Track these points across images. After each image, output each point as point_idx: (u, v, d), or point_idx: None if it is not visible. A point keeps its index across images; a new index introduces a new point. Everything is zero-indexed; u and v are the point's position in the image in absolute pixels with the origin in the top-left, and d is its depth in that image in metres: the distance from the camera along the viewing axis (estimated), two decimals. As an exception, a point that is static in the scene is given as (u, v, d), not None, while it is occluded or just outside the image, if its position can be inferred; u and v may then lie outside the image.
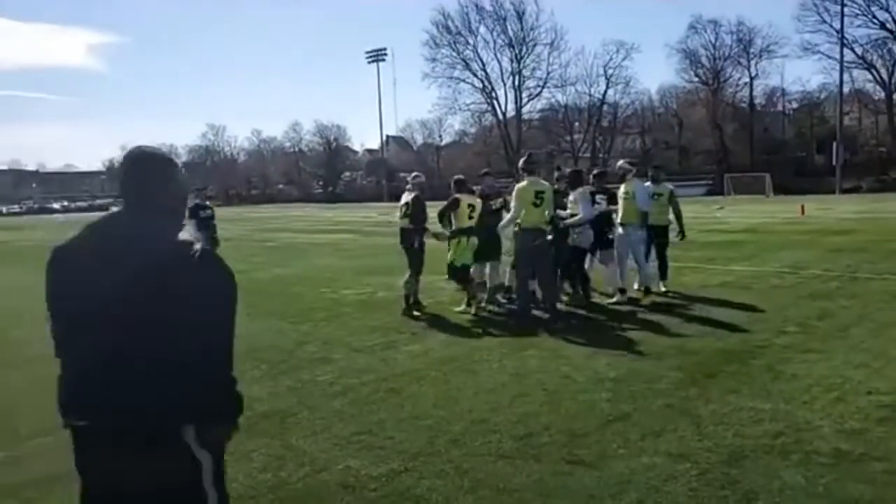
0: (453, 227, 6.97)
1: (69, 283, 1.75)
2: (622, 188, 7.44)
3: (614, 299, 7.07)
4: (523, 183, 6.48)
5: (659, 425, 3.59)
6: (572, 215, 6.84)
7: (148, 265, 1.66)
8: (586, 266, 7.34)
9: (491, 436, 3.54)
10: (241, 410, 1.86)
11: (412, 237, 7.04)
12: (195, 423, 1.74)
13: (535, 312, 6.70)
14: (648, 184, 7.64)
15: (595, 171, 7.94)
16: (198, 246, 1.71)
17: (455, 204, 6.94)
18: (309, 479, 3.12)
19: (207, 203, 10.31)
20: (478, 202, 7.08)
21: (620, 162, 7.91)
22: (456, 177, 7.49)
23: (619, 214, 7.34)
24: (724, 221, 19.78)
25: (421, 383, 4.52)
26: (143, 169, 1.83)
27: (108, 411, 1.69)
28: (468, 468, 3.14)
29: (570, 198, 6.94)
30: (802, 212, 21.03)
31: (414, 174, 8.05)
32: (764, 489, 2.85)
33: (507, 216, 6.69)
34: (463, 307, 6.98)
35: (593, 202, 7.02)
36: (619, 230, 7.33)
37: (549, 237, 6.67)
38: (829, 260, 10.00)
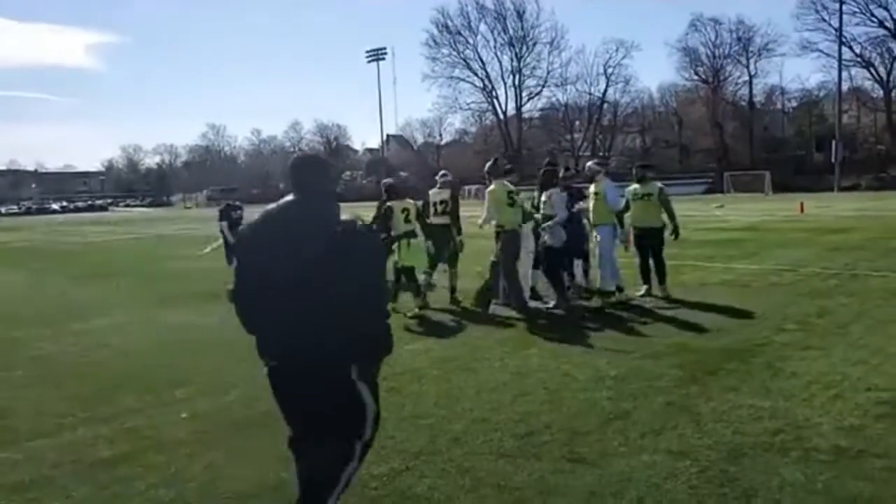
0: (392, 233, 6.99)
1: (261, 253, 2.24)
2: (592, 188, 7.30)
3: (613, 299, 7.06)
4: (493, 186, 6.83)
5: (659, 423, 3.60)
6: (546, 216, 6.86)
7: (328, 237, 2.18)
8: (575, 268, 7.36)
9: (492, 434, 3.55)
10: (390, 350, 2.34)
11: (450, 232, 7.34)
12: (357, 362, 2.26)
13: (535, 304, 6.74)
14: (636, 185, 7.42)
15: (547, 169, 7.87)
16: (359, 223, 2.27)
17: (389, 213, 6.99)
18: (310, 478, 3.12)
19: (238, 203, 9.83)
20: (411, 204, 7.16)
21: (589, 163, 7.73)
22: (386, 182, 7.56)
23: (591, 216, 7.24)
24: (724, 219, 19.80)
25: (422, 382, 4.53)
26: (315, 169, 2.38)
27: (297, 354, 2.21)
28: (469, 467, 3.15)
29: (543, 198, 6.96)
30: (801, 210, 21.06)
31: (442, 172, 8.12)
32: (763, 486, 2.87)
33: (484, 216, 6.95)
34: (416, 311, 6.77)
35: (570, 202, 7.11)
36: (595, 232, 7.22)
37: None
38: (828, 258, 10.01)
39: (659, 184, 7.51)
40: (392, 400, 4.18)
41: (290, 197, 2.32)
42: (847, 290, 7.35)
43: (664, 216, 7.36)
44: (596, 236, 7.26)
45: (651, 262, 7.35)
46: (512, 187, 6.92)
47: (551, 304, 6.84)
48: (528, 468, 3.14)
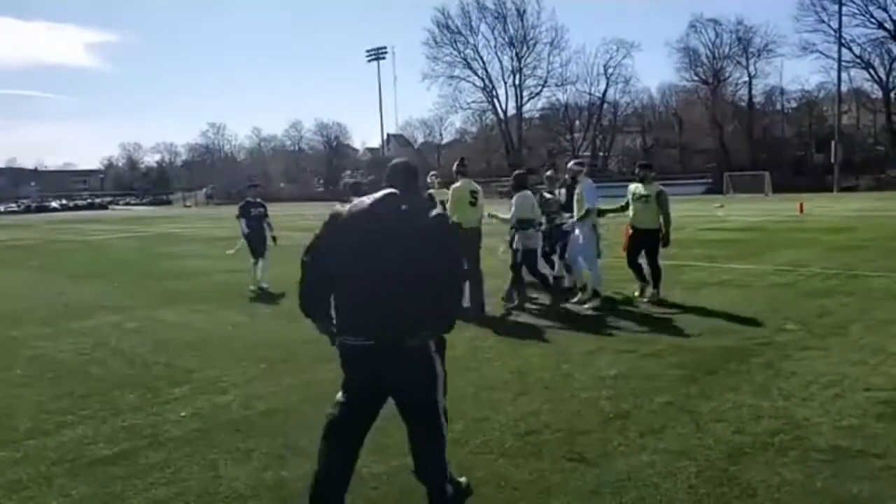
0: None
1: (355, 238, 2.47)
2: (577, 189, 7.21)
3: (586, 304, 6.91)
4: (458, 184, 7.00)
5: (659, 423, 3.60)
6: (523, 220, 6.94)
7: (423, 226, 2.47)
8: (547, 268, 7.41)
9: (492, 434, 3.54)
10: (453, 326, 2.60)
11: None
12: (433, 338, 2.55)
13: (532, 307, 6.72)
14: (638, 185, 7.30)
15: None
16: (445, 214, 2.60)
17: None
18: (310, 478, 3.10)
19: (259, 200, 9.24)
20: None
21: (570, 163, 7.62)
22: (349, 181, 7.96)
23: (576, 215, 7.14)
24: (724, 220, 19.81)
25: (421, 381, 4.52)
26: (408, 171, 2.72)
27: (393, 331, 2.42)
28: (469, 466, 3.14)
29: (513, 200, 7.07)
30: (801, 210, 21.06)
31: (433, 173, 8.15)
32: (763, 486, 2.87)
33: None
34: None
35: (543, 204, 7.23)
36: (576, 231, 7.14)
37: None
38: (828, 258, 10.02)
39: (659, 186, 7.39)
40: (392, 400, 4.18)
41: (386, 191, 2.55)
42: (847, 290, 7.36)
43: (661, 218, 7.20)
44: (578, 236, 7.16)
45: (645, 263, 7.22)
46: (476, 186, 7.11)
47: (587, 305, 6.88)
48: (528, 467, 3.14)
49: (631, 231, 7.39)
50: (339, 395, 2.64)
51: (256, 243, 9.03)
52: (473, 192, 6.97)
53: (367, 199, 2.54)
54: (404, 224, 2.45)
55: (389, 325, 2.41)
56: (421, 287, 2.39)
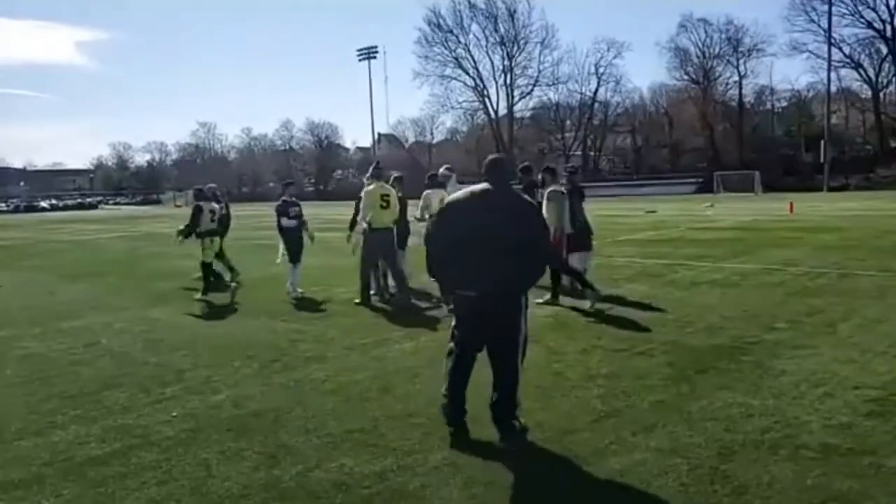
0: (199, 230, 8.39)
1: (467, 219, 3.40)
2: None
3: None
4: (371, 186, 7.33)
5: (650, 421, 3.62)
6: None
7: (517, 210, 3.45)
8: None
9: (484, 432, 3.55)
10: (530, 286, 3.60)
11: None
12: (524, 294, 3.55)
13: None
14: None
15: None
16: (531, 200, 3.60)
17: (198, 212, 8.41)
18: (302, 478, 3.11)
19: (295, 199, 8.53)
20: (216, 207, 8.67)
21: (441, 169, 7.68)
22: (197, 186, 8.97)
23: None
24: (714, 219, 19.93)
25: (414, 381, 4.52)
26: (504, 166, 3.61)
27: (490, 286, 3.32)
28: (461, 465, 3.15)
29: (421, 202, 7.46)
30: (791, 209, 21.23)
31: (396, 175, 8.08)
32: (753, 484, 2.89)
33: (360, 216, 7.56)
34: (200, 296, 8.22)
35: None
36: None
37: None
38: (817, 257, 10.11)
39: (555, 187, 6.93)
40: (384, 399, 4.18)
41: (484, 185, 3.48)
42: (836, 289, 7.42)
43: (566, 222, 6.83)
44: None
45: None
46: (389, 189, 7.41)
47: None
48: (520, 466, 3.15)
49: None
50: (453, 333, 3.53)
51: (295, 247, 8.30)
52: (384, 196, 7.28)
53: (472, 188, 3.51)
54: (505, 208, 3.38)
55: (489, 282, 3.27)
56: (513, 254, 3.24)
